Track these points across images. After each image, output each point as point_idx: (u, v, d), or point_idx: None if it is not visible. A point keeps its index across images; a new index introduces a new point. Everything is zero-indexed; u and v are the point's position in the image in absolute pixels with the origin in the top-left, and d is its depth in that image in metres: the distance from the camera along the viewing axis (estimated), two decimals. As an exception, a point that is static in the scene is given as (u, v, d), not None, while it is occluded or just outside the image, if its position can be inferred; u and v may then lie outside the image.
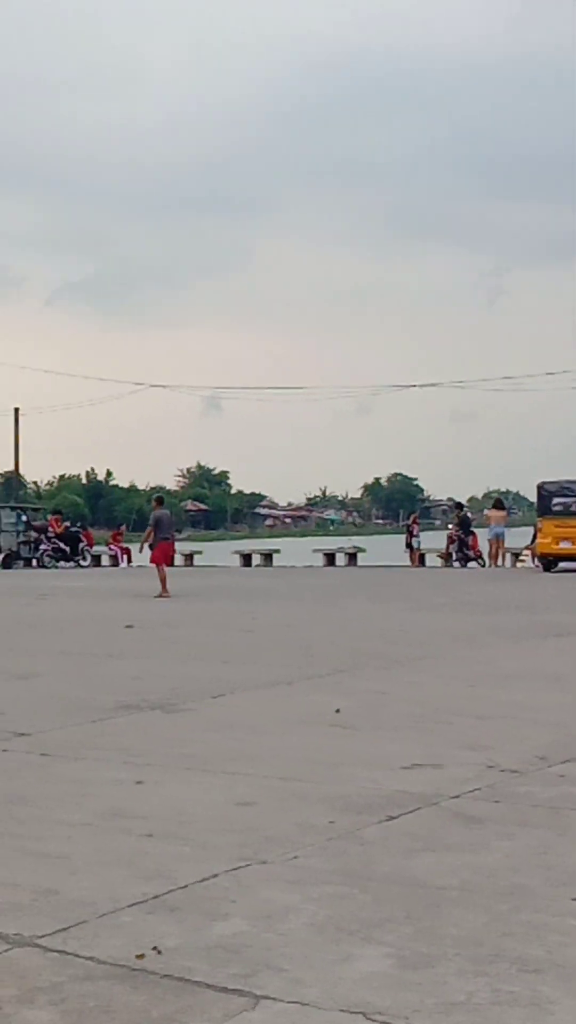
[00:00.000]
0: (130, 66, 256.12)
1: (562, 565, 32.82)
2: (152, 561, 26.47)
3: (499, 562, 39.48)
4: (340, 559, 44.27)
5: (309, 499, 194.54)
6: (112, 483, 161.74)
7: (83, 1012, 3.98)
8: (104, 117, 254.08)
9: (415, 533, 43.10)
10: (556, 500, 33.25)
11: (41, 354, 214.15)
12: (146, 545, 26.94)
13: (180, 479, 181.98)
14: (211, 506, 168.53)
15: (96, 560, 46.52)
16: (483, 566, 39.22)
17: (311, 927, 4.78)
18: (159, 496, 30.27)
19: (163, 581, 25.13)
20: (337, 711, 9.88)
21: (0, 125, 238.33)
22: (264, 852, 5.85)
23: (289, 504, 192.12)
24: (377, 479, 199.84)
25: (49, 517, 48.19)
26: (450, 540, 40.69)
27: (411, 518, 45.72)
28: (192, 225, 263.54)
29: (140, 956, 4.46)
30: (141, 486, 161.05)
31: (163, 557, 26.29)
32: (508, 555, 40.03)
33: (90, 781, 7.54)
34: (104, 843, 6.10)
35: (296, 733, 9.15)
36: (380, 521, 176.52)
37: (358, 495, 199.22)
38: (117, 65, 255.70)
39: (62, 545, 44.10)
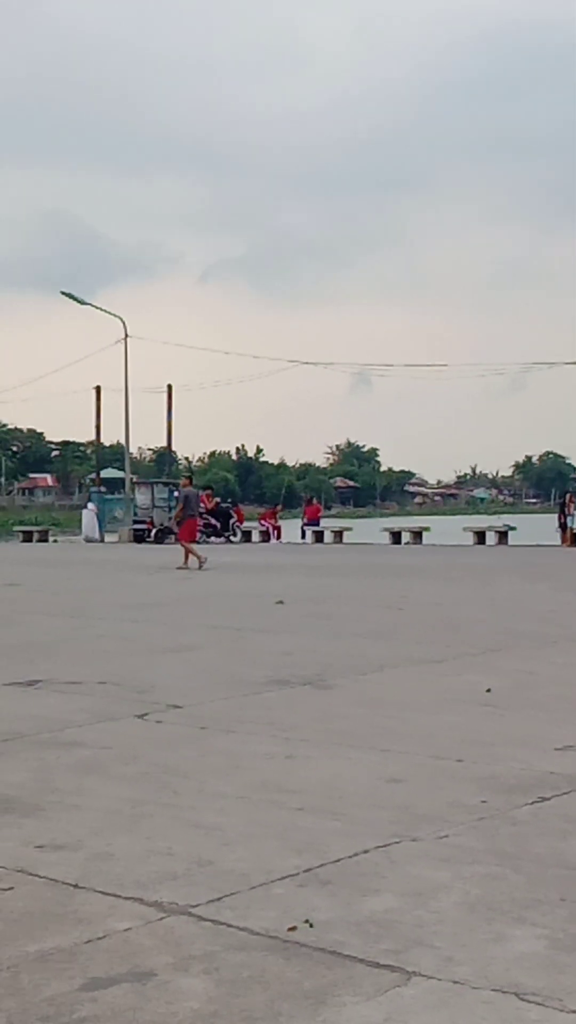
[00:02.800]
0: (289, 46, 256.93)
1: None
2: (180, 538, 27.97)
3: None
4: (490, 538, 43.84)
5: (459, 477, 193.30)
6: (262, 459, 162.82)
7: (236, 982, 4.04)
8: (262, 96, 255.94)
9: (569, 512, 42.45)
10: None
11: (194, 331, 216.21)
12: (175, 522, 28.23)
13: (329, 456, 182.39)
14: (360, 483, 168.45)
15: (247, 536, 46.90)
16: None
17: (463, 906, 4.77)
18: (188, 475, 32.12)
19: (195, 554, 26.56)
20: (488, 691, 9.82)
21: (158, 105, 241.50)
22: (415, 829, 5.85)
23: (439, 482, 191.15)
24: (528, 458, 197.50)
25: (200, 493, 48.77)
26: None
27: (566, 497, 45.03)
28: (348, 202, 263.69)
29: (292, 928, 4.51)
30: (291, 463, 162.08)
31: (191, 533, 27.80)
32: None
33: (242, 754, 7.62)
34: (257, 815, 6.17)
35: (446, 711, 9.12)
36: (531, 500, 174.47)
37: (508, 474, 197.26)
38: (276, 46, 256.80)
39: (213, 521, 44.55)
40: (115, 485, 63.92)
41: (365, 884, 5.04)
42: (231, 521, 45.35)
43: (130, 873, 5.18)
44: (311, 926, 4.52)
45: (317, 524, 48.85)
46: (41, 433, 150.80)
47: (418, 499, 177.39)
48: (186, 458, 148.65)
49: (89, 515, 47.06)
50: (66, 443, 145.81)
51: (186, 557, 26.47)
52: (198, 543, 30.69)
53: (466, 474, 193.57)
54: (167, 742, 8.03)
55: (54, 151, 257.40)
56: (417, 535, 44.51)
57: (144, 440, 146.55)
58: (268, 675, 10.81)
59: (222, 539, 44.17)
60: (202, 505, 45.18)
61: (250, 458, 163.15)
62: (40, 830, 5.86)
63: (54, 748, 7.80)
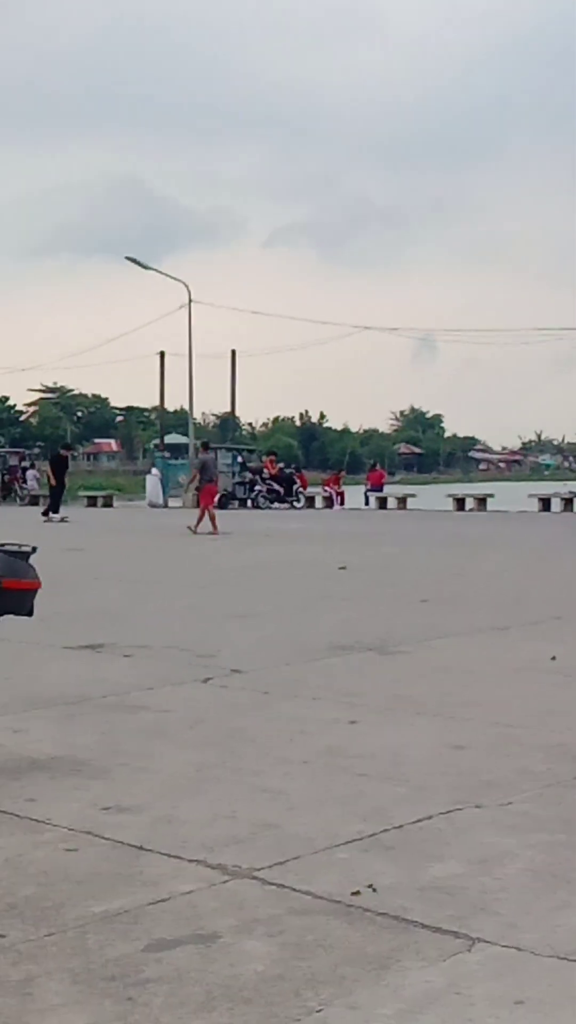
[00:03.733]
0: (360, 11, 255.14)
1: None
2: (201, 503, 28.24)
3: None
4: (555, 505, 43.48)
5: (524, 443, 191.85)
6: (325, 425, 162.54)
7: (300, 945, 4.05)
8: (331, 62, 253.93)
9: None
10: None
11: (259, 296, 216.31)
12: (192, 488, 28.49)
13: (393, 422, 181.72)
14: (424, 449, 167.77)
15: (310, 502, 46.89)
16: None
17: (528, 873, 4.75)
18: (205, 441, 32.95)
19: (212, 520, 27.01)
20: (553, 659, 9.75)
21: (227, 70, 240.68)
22: (479, 796, 5.84)
23: (503, 448, 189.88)
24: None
25: (264, 458, 48.76)
26: None
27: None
28: (416, 168, 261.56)
29: (356, 893, 4.51)
30: (354, 428, 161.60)
31: (209, 498, 27.98)
32: None
33: (306, 719, 7.64)
34: (320, 781, 6.18)
35: (511, 679, 9.08)
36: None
37: (575, 440, 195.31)
38: (347, 10, 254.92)
39: (276, 486, 44.59)
40: (179, 450, 64.20)
41: (429, 850, 5.03)
42: (294, 487, 45.34)
43: (194, 836, 5.21)
44: (375, 891, 4.53)
45: (380, 490, 48.71)
46: (106, 398, 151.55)
47: (482, 465, 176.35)
48: (249, 424, 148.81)
49: (153, 480, 47.27)
50: (130, 408, 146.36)
51: (198, 522, 26.86)
52: (265, 509, 30.83)
53: (531, 440, 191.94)
54: (231, 707, 8.07)
55: (123, 117, 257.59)
56: (481, 502, 44.23)
57: (208, 406, 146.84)
58: (331, 641, 10.81)
59: (285, 505, 44.19)
60: (265, 471, 45.29)
61: (313, 424, 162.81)
62: (106, 793, 5.91)
63: (120, 712, 7.86)
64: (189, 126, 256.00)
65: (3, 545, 6.62)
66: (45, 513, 34.22)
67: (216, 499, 28.27)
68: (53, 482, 35.06)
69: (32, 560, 6.59)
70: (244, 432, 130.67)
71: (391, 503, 45.70)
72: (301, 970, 3.84)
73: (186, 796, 5.87)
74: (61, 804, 5.71)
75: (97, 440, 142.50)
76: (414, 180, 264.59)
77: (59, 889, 4.58)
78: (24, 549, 6.58)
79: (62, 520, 32.85)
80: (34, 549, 6.62)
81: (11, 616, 6.57)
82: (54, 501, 34.77)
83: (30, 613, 6.63)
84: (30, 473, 52.92)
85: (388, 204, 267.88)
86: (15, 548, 6.57)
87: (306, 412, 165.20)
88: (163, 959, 3.93)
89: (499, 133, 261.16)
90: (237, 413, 63.63)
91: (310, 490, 48.47)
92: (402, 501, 45.60)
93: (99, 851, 5.05)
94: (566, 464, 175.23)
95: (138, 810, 5.63)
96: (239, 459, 46.89)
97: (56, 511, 34.15)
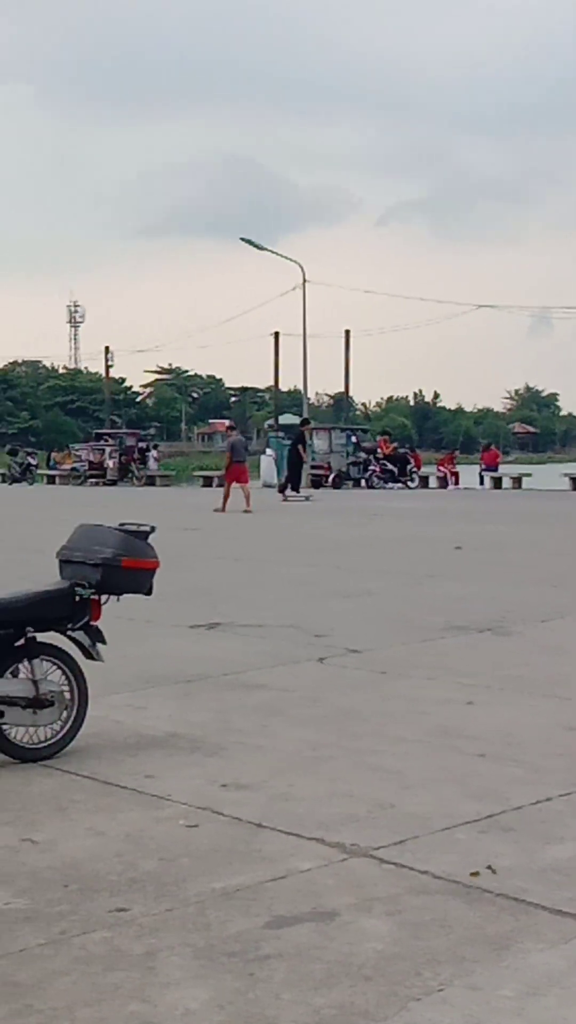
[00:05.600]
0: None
1: None
2: (227, 480, 28.77)
3: None
4: None
5: None
6: (439, 405, 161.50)
7: (419, 924, 4.06)
8: (442, 35, 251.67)
9: None
10: None
11: (372, 275, 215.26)
12: (226, 469, 29.18)
13: (508, 401, 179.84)
14: (539, 428, 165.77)
15: (424, 481, 46.65)
16: None
17: None
18: (232, 423, 32.73)
19: (242, 498, 27.19)
20: None
21: (338, 47, 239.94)
22: (598, 779, 5.78)
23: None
24: None
25: (377, 438, 48.62)
26: None
27: None
28: (530, 140, 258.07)
29: (474, 874, 4.50)
30: (468, 408, 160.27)
31: (235, 477, 28.40)
32: None
33: (421, 699, 7.62)
34: (436, 760, 6.17)
35: (630, 660, 8.96)
36: None
37: None
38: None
39: (390, 466, 44.41)
40: (293, 431, 64.30)
41: (548, 832, 5.00)
42: (408, 467, 45.10)
43: (312, 814, 5.24)
44: (494, 872, 4.52)
45: (495, 470, 48.25)
46: (220, 379, 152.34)
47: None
48: (363, 403, 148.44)
49: (267, 461, 47.36)
50: (244, 389, 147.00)
51: (245, 498, 27.26)
52: (379, 489, 30.65)
53: None
54: (346, 686, 8.08)
55: (237, 97, 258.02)
56: (598, 481, 43.51)
57: (321, 386, 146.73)
58: (446, 621, 10.77)
59: (399, 485, 44.02)
60: (379, 450, 45.16)
61: (427, 403, 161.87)
62: (224, 769, 5.97)
63: (236, 690, 7.92)
64: (302, 103, 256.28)
65: (123, 525, 6.70)
66: (282, 491, 33.77)
67: (240, 477, 28.56)
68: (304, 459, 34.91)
69: (151, 539, 6.66)
70: (358, 412, 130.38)
71: (506, 483, 45.25)
72: (420, 949, 3.84)
73: (302, 774, 5.91)
74: (180, 780, 5.78)
75: (212, 420, 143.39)
76: (527, 152, 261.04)
77: (179, 864, 4.65)
78: (143, 529, 6.65)
79: (306, 499, 32.65)
80: (153, 529, 6.70)
81: (131, 595, 6.64)
82: (295, 479, 34.54)
83: (149, 592, 6.70)
84: (151, 455, 53.40)
85: (502, 177, 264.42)
86: (134, 528, 6.65)
87: (420, 392, 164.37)
88: (283, 936, 3.96)
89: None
90: (351, 393, 63.48)
91: (424, 470, 48.18)
92: (517, 481, 45.12)
93: (218, 827, 5.10)
94: None
95: (255, 787, 5.68)
96: (353, 439, 46.73)
97: (296, 489, 33.84)
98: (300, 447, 35.12)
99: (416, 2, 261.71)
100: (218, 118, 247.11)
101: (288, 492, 33.35)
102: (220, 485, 47.75)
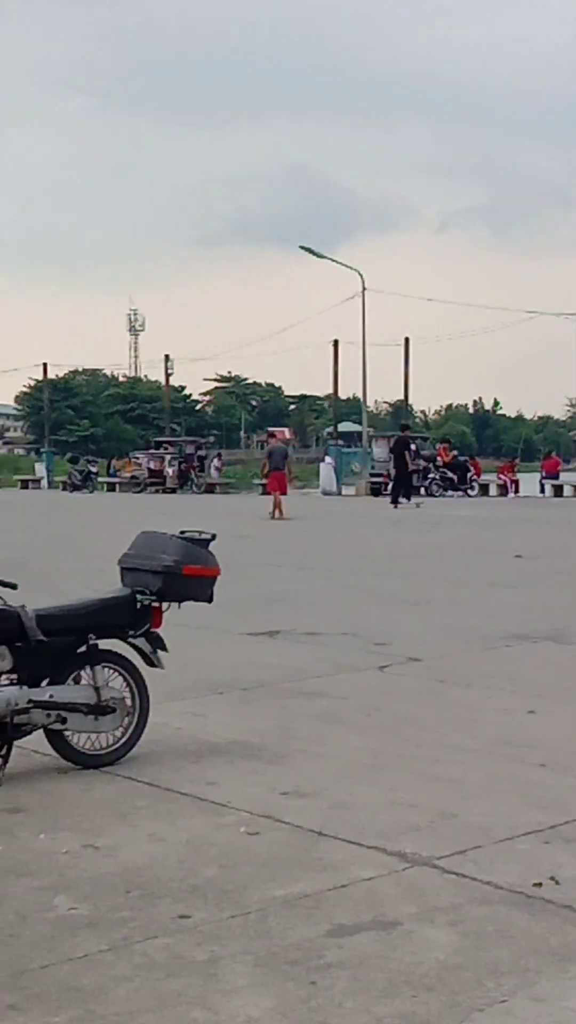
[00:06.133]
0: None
1: None
2: (270, 489, 28.90)
3: None
4: None
5: None
6: (499, 412, 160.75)
7: (481, 935, 4.03)
8: (502, 39, 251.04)
9: None
10: None
11: (431, 282, 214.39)
12: (263, 475, 29.30)
13: (569, 408, 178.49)
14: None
15: (484, 489, 46.46)
16: None
17: None
18: (271, 431, 33.14)
19: (278, 506, 27.46)
20: None
21: (397, 53, 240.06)
22: None
23: None
24: None
25: (437, 446, 48.46)
26: None
27: None
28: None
29: (537, 884, 4.46)
30: (528, 416, 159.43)
31: (276, 486, 28.51)
32: None
33: (482, 708, 7.58)
34: (497, 770, 6.13)
35: None
36: None
37: None
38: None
39: (450, 474, 44.27)
40: (352, 439, 64.21)
41: (612, 843, 4.95)
42: (468, 474, 44.94)
43: (372, 823, 5.23)
44: (557, 883, 4.48)
45: (556, 478, 47.93)
46: (279, 387, 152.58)
47: None
48: (422, 411, 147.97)
49: (327, 468, 47.36)
50: (303, 397, 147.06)
51: (276, 507, 27.56)
52: (438, 497, 30.56)
53: None
54: (407, 694, 8.06)
55: (298, 105, 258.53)
56: None
57: (381, 393, 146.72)
58: (508, 629, 10.71)
59: (459, 492, 43.86)
60: (439, 458, 45.02)
61: (487, 411, 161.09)
62: (284, 777, 5.97)
63: (296, 697, 7.92)
64: (362, 112, 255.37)
65: (184, 532, 6.72)
66: (394, 501, 33.18)
67: (282, 486, 28.60)
68: (411, 467, 34.50)
69: (211, 547, 6.68)
70: (417, 420, 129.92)
71: (567, 491, 44.94)
72: (483, 960, 3.82)
73: (362, 782, 5.89)
74: (240, 788, 5.78)
75: (270, 428, 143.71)
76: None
77: (241, 872, 4.65)
78: (204, 536, 6.67)
79: (417, 506, 32.65)
80: (213, 536, 6.71)
81: (191, 602, 6.66)
82: (404, 485, 34.17)
83: (210, 599, 6.72)
84: (214, 463, 53.58)
85: (564, 183, 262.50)
86: (195, 535, 6.67)
87: (480, 399, 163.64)
88: (344, 944, 3.95)
89: None
90: (410, 401, 63.26)
91: (484, 478, 47.99)
92: (579, 489, 44.79)
93: (279, 835, 5.10)
94: None
95: (315, 795, 5.67)
96: (412, 447, 46.65)
97: (408, 497, 33.57)
98: (406, 453, 34.78)
99: (475, 7, 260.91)
100: (279, 127, 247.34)
101: (400, 500, 33.15)
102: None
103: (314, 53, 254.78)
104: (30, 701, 6.03)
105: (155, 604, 6.43)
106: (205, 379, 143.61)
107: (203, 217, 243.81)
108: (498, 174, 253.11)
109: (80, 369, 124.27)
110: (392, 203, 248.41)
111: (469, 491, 44.33)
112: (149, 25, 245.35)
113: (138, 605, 6.37)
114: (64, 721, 6.11)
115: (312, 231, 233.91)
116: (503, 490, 46.06)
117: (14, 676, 6.09)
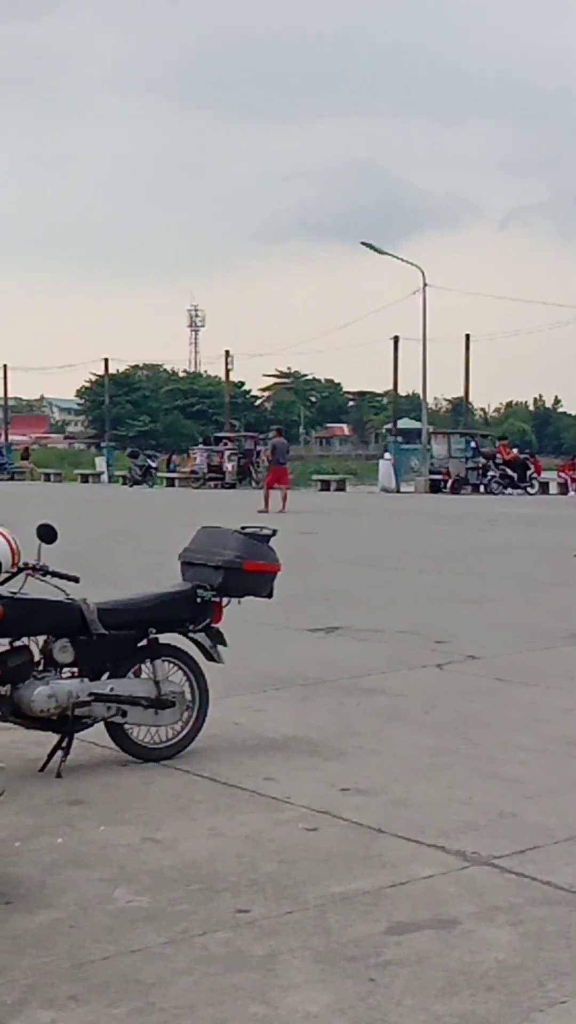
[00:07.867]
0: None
1: None
2: (268, 483, 29.15)
3: None
4: None
5: None
6: (560, 410, 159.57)
7: (541, 935, 4.01)
8: (567, 37, 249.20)
9: None
10: None
11: (494, 278, 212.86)
12: (263, 469, 29.66)
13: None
14: None
15: (543, 487, 46.16)
16: None
17: None
18: (279, 428, 35.48)
19: (279, 499, 27.60)
20: None
21: (463, 49, 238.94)
22: None
23: None
24: None
25: (497, 444, 48.20)
26: None
27: None
28: None
29: (598, 886, 4.43)
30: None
31: (275, 479, 28.77)
32: None
33: (542, 707, 7.54)
34: (558, 770, 6.09)
35: None
36: None
37: None
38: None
39: (509, 472, 44.00)
40: (411, 435, 64.03)
41: None
42: (528, 472, 44.65)
43: (431, 821, 5.22)
44: (617, 885, 4.44)
45: (617, 476, 47.53)
46: (338, 383, 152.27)
47: None
48: (482, 409, 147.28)
49: (386, 465, 47.26)
50: (362, 393, 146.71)
51: (282, 500, 27.62)
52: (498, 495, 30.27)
53: None
54: (466, 692, 8.03)
55: (361, 101, 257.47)
56: None
57: (440, 390, 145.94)
58: (568, 629, 10.63)
59: (518, 490, 43.60)
60: (499, 456, 44.78)
61: (548, 409, 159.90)
62: (343, 773, 5.97)
63: (355, 694, 7.91)
64: (428, 108, 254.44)
65: (244, 528, 6.74)
66: None
67: (281, 479, 28.64)
68: None
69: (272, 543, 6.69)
70: (477, 417, 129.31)
71: (626, 488, 44.57)
72: (543, 960, 3.80)
73: (421, 780, 5.88)
74: (299, 784, 5.79)
75: (329, 425, 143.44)
76: None
77: (299, 867, 4.66)
78: (264, 532, 6.68)
79: None
80: (274, 532, 6.72)
81: (251, 597, 6.68)
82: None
83: (270, 595, 6.73)
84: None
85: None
86: (256, 531, 6.68)
87: (540, 396, 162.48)
88: (403, 942, 3.95)
89: None
90: (470, 398, 63.01)
91: (544, 476, 47.66)
92: None
93: (338, 831, 5.10)
94: None
95: (374, 792, 5.67)
96: (472, 444, 46.38)
97: None
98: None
99: (540, 3, 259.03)
100: (343, 122, 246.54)
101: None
102: (339, 489, 47.93)
103: (380, 48, 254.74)
104: (91, 694, 6.07)
105: (215, 599, 6.45)
106: (265, 375, 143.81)
107: (265, 212, 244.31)
108: (562, 170, 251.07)
109: (141, 364, 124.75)
110: (455, 199, 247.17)
111: (529, 489, 44.04)
112: (214, 22, 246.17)
113: (199, 600, 6.40)
114: (124, 714, 6.15)
115: (374, 227, 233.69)
116: (563, 488, 45.73)
117: (75, 669, 6.13)
